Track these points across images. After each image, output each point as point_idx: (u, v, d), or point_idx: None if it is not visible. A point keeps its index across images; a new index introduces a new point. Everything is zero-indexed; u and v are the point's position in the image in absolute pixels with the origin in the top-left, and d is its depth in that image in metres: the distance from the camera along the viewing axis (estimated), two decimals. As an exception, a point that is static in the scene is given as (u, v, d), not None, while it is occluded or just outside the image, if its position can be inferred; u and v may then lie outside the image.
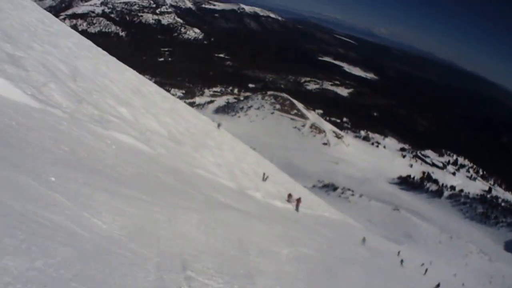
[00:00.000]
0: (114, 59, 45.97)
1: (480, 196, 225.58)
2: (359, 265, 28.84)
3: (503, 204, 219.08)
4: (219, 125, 59.47)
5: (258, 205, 27.96)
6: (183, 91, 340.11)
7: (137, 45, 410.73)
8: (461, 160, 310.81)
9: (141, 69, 57.72)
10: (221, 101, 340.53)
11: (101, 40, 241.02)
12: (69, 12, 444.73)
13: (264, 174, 44.35)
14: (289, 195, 42.96)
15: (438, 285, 53.80)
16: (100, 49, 45.08)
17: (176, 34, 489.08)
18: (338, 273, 20.59)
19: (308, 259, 19.23)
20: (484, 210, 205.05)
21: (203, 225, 12.43)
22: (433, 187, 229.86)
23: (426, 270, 62.63)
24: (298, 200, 41.75)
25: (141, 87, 39.34)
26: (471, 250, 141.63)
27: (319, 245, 25.78)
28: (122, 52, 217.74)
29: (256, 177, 41.91)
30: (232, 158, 42.40)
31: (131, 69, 47.67)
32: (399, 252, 62.55)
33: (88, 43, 43.77)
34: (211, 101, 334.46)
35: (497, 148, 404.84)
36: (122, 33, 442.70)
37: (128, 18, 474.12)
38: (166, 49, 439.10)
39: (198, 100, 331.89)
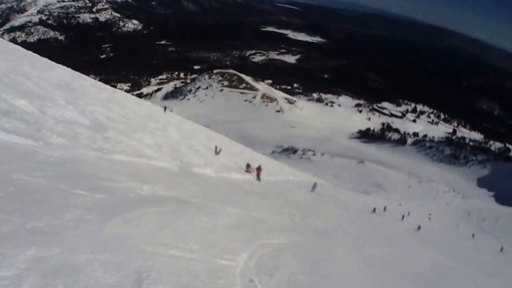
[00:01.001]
0: (44, 59, 41.43)
1: (445, 139, 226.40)
2: (344, 233, 26.15)
3: (471, 143, 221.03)
4: (165, 108, 56.31)
5: (206, 185, 23.05)
6: (129, 84, 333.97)
7: (77, 47, 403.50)
8: (420, 107, 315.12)
9: (85, 69, 57.15)
10: (168, 87, 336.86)
11: (41, 47, 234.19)
12: (7, 26, 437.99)
13: (216, 147, 39.31)
14: (248, 165, 38.80)
15: (419, 227, 55.23)
16: (29, 52, 41.13)
17: (115, 29, 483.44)
18: (328, 261, 16.88)
19: (281, 255, 14.05)
20: (452, 152, 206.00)
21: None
22: (395, 136, 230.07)
23: (403, 216, 63.81)
24: (258, 169, 37.82)
25: (73, 82, 34.74)
26: (444, 190, 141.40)
27: (291, 220, 22.35)
28: (63, 55, 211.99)
29: (208, 152, 37.32)
30: (179, 137, 37.45)
31: (65, 67, 43.06)
32: (385, 208, 64.22)
33: (12, 46, 40.21)
34: (159, 89, 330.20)
35: (458, 92, 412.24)
36: (61, 37, 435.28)
37: (65, 22, 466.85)
38: (107, 45, 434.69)
39: (145, 90, 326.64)
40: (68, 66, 44.54)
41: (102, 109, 28.39)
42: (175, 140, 34.17)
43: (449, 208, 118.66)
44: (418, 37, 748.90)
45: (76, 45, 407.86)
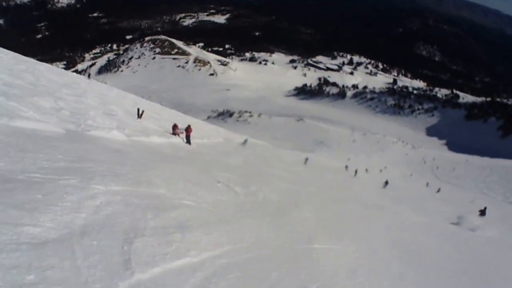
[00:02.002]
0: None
1: (387, 89, 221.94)
2: (310, 206, 19.35)
3: (415, 92, 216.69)
4: (89, 76, 52.89)
5: (94, 152, 15.05)
6: (64, 62, 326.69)
7: (16, 29, 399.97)
8: (356, 58, 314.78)
9: (23, 51, 51.93)
10: (102, 61, 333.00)
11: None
12: None
13: (138, 109, 32.50)
14: (175, 126, 31.72)
15: (386, 182, 50.99)
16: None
17: (49, 6, 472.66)
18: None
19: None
20: (396, 102, 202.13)
21: None
22: (334, 90, 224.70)
23: (356, 171, 58.72)
24: (188, 130, 31.06)
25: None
26: (392, 141, 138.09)
27: (229, 191, 15.50)
28: (3, 39, 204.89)
29: (130, 116, 30.82)
30: (96, 103, 30.96)
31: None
32: (346, 167, 63.21)
33: None
34: (93, 64, 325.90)
35: (395, 40, 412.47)
36: (0, 21, 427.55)
37: (4, 4, 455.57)
38: (42, 24, 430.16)
39: (80, 66, 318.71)
40: (7, 49, 40.14)
41: (6, 77, 24.34)
42: (89, 105, 28.26)
43: (401, 160, 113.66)
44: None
45: (14, 27, 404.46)
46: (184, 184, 13.68)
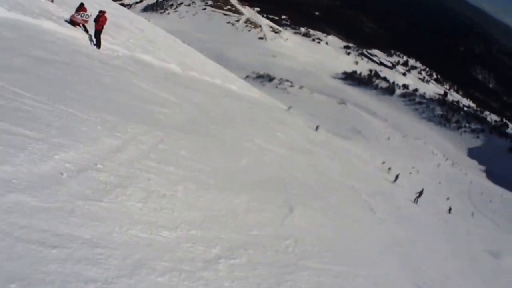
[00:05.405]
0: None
1: (437, 99, 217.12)
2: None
3: (465, 109, 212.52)
4: None
5: None
6: None
7: None
8: (412, 61, 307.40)
9: None
10: (150, 0, 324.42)
11: None
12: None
13: None
14: (80, 8, 20.42)
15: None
16: None
17: None
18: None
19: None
20: (444, 113, 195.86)
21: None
22: (383, 84, 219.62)
23: (389, 168, 60.25)
24: (100, 20, 19.46)
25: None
26: (433, 152, 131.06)
27: None
28: None
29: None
30: None
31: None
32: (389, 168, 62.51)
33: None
34: (140, 1, 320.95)
35: (454, 56, 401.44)
36: None
37: None
38: None
39: (127, 1, 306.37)
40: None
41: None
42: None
43: (437, 174, 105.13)
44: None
45: None
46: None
